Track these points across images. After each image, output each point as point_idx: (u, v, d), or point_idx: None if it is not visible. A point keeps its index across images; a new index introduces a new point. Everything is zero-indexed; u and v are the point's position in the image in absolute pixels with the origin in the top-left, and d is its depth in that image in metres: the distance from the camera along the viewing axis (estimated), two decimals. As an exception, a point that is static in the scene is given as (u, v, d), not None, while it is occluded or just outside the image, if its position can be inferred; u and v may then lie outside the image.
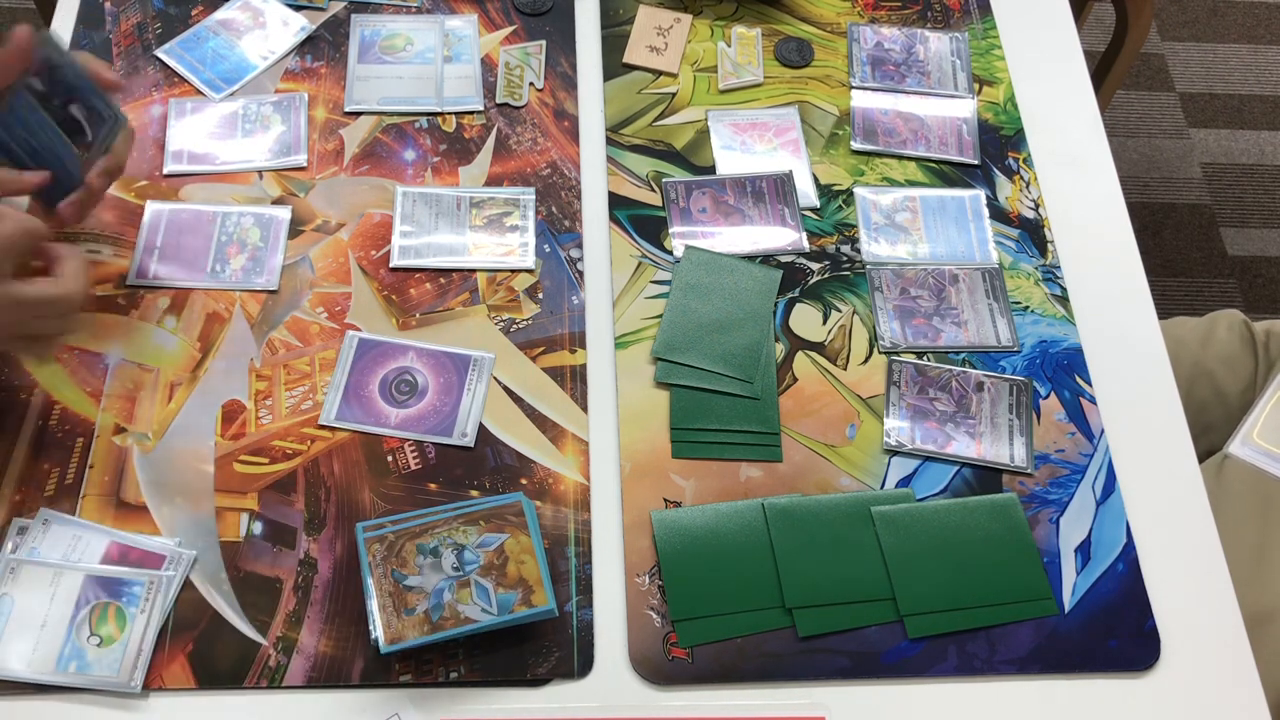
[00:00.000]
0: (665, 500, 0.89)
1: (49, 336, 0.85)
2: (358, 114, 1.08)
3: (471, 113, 1.09)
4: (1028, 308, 1.01)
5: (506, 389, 0.94)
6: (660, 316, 0.98)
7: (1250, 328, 1.19)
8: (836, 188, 1.07)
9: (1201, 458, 0.95)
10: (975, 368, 0.97)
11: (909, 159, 1.10)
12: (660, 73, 1.13)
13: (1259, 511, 1.01)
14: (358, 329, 0.96)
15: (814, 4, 1.20)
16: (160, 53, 1.10)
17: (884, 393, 0.95)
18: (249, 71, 1.10)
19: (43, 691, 0.79)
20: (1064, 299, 1.02)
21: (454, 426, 0.90)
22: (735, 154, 1.08)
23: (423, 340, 0.95)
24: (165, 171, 1.03)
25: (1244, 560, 0.91)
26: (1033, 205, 1.08)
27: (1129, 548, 0.89)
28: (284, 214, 1.01)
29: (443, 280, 0.99)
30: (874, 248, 1.04)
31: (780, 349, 0.97)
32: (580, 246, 1.02)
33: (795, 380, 0.96)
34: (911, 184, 1.08)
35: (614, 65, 1.13)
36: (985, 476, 0.92)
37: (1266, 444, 1.05)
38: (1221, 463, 1.05)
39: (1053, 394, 0.97)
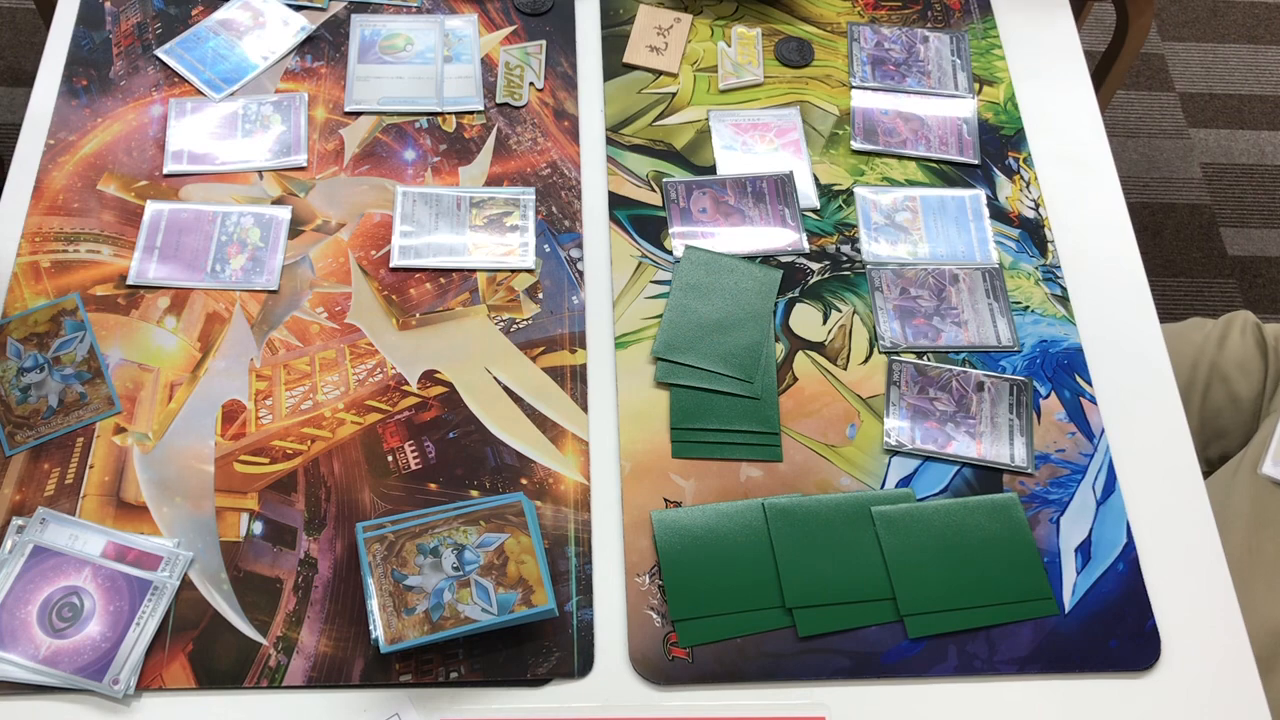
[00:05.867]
0: (665, 500, 0.89)
1: None
2: (358, 114, 1.08)
3: (471, 113, 1.09)
4: (1028, 308, 1.01)
5: (506, 389, 0.94)
6: (660, 316, 0.98)
7: (1261, 331, 1.19)
8: (836, 188, 1.07)
9: (1216, 464, 0.94)
10: (975, 368, 0.97)
11: (909, 159, 1.10)
12: (660, 73, 1.13)
13: (1275, 525, 1.00)
14: (358, 329, 0.96)
15: (814, 4, 1.20)
16: (160, 53, 1.10)
17: (884, 393, 0.95)
18: (249, 71, 1.10)
19: (38, 692, 0.79)
20: (1064, 299, 1.02)
21: (105, 672, 0.79)
22: (736, 154, 1.08)
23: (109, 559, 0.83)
24: (165, 171, 1.03)
25: (1264, 574, 0.90)
26: (1033, 205, 1.07)
27: (1129, 548, 0.89)
28: (284, 214, 1.01)
29: (443, 280, 0.99)
30: (874, 248, 1.03)
31: (780, 349, 0.97)
32: (580, 246, 1.02)
33: (795, 380, 0.96)
34: (911, 184, 1.08)
35: (614, 65, 1.13)
36: (985, 476, 0.92)
37: None
38: (1232, 477, 1.03)
39: (1053, 394, 0.97)
